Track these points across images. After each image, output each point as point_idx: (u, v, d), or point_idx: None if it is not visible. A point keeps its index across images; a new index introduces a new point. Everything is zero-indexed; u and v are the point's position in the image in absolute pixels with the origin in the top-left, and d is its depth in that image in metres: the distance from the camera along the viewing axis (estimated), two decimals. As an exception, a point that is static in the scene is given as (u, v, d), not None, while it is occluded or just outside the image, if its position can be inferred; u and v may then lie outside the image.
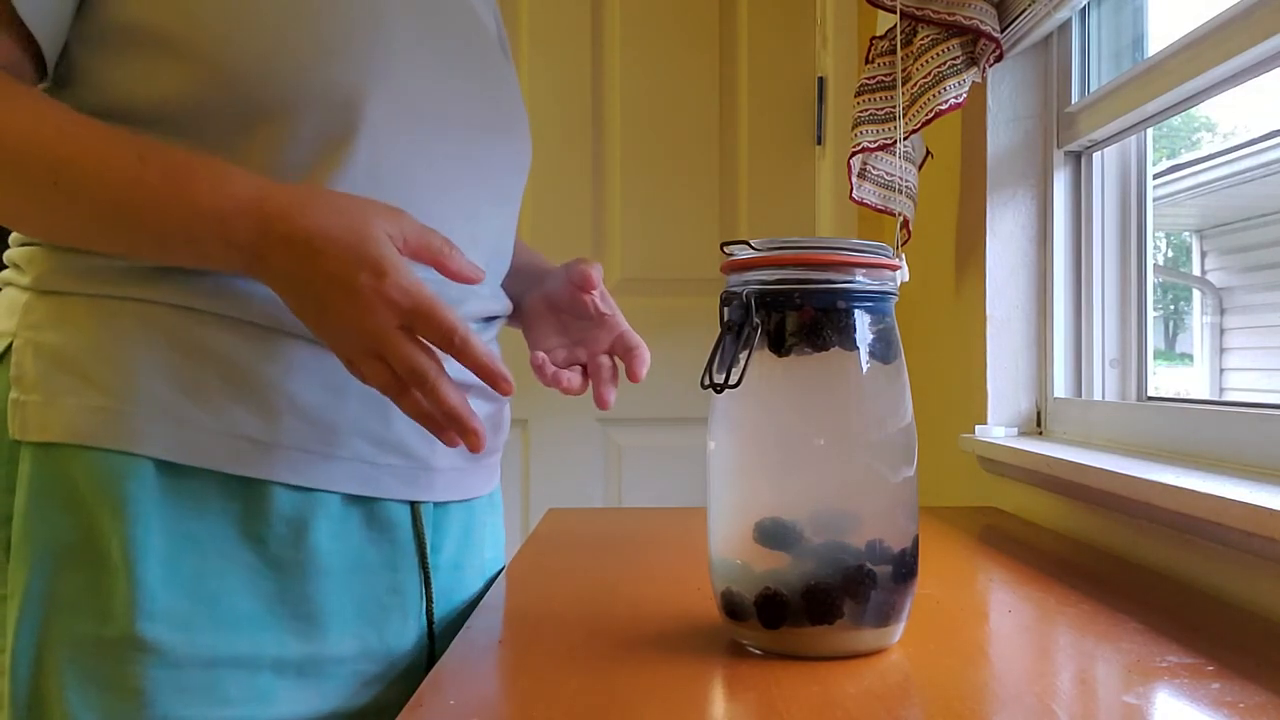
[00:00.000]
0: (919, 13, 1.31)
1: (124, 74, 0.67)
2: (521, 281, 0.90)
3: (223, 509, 0.68)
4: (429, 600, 0.78)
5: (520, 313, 0.89)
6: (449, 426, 0.65)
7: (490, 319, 0.83)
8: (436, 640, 0.78)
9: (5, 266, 0.73)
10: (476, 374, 0.64)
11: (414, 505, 0.76)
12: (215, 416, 0.67)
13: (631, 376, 0.81)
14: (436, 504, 0.79)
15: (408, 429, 0.73)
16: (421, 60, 0.74)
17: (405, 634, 0.76)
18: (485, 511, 0.87)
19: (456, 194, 0.76)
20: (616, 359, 0.84)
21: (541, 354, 0.82)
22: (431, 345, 0.63)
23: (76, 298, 0.68)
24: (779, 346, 0.63)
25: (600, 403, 0.80)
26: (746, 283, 0.64)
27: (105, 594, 0.65)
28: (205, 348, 0.67)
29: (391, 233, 0.63)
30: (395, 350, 0.62)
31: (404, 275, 0.62)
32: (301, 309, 0.64)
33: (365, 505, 0.73)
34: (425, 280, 0.64)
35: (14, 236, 0.73)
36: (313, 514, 0.70)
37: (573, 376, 0.80)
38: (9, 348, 0.68)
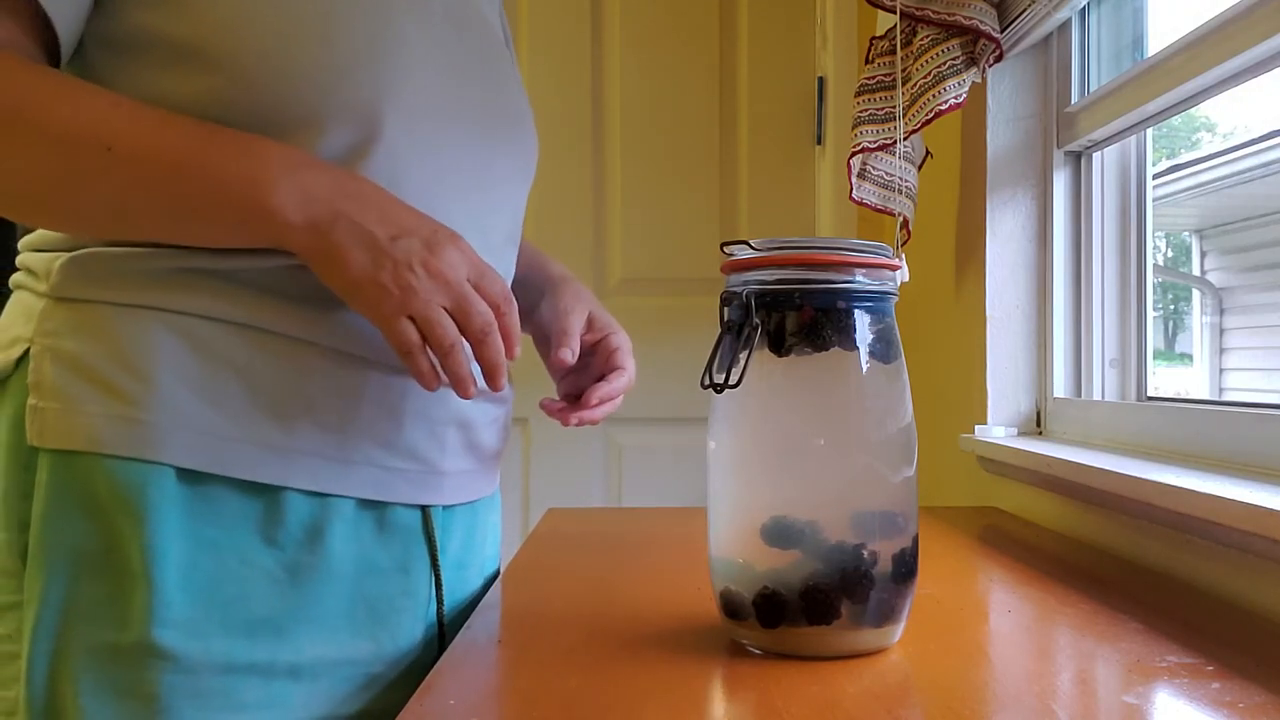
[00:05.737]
0: (919, 13, 1.31)
1: (145, 79, 0.67)
2: (525, 295, 0.89)
3: (240, 514, 0.68)
4: (439, 601, 0.78)
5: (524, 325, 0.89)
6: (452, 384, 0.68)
7: None
8: (448, 639, 0.79)
9: (14, 269, 0.73)
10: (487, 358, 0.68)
11: (424, 509, 0.77)
12: (235, 424, 0.67)
13: (585, 396, 0.84)
14: (445, 506, 0.79)
15: (418, 434, 0.74)
16: (435, 69, 0.74)
17: (416, 635, 0.76)
18: (486, 511, 0.88)
19: (469, 202, 0.77)
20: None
21: (549, 401, 0.86)
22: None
23: (95, 305, 0.67)
24: (779, 346, 0.63)
25: (563, 417, 0.84)
26: (746, 283, 0.64)
27: (123, 601, 0.65)
28: (224, 356, 0.67)
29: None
30: (435, 322, 0.65)
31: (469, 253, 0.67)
32: (345, 261, 0.64)
33: (378, 510, 0.73)
34: None
35: (27, 240, 0.73)
36: (328, 519, 0.70)
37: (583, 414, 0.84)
38: (25, 353, 0.68)
